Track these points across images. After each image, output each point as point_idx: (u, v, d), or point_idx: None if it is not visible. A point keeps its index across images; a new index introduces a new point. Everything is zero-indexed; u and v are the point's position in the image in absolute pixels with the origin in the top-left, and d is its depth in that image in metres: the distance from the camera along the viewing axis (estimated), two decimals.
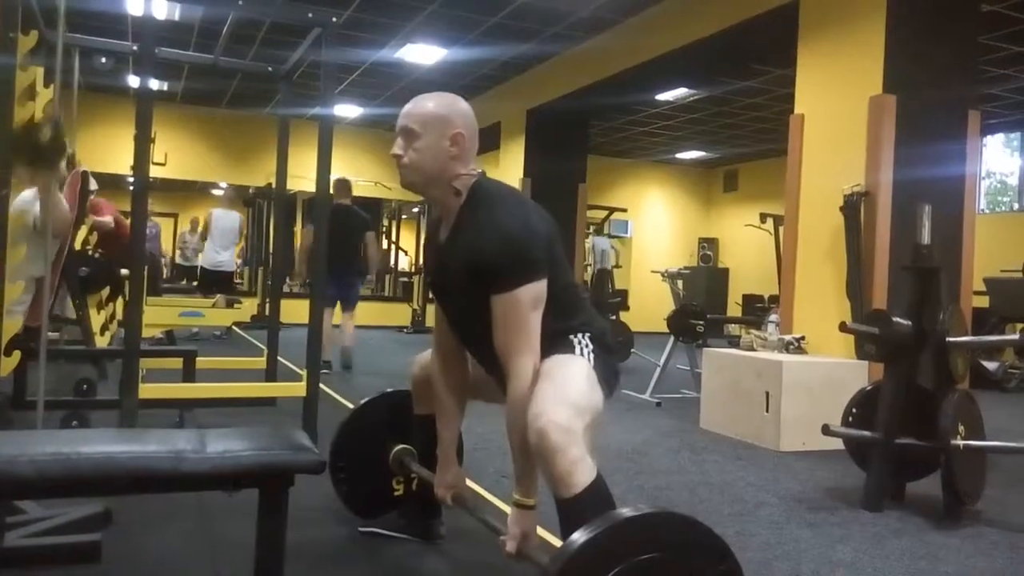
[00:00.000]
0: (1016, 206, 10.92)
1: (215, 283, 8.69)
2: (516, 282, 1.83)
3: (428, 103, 1.95)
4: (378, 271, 14.32)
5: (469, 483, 3.02)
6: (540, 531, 2.02)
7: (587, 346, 1.96)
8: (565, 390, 1.78)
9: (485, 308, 1.87)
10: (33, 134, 2.83)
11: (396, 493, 2.58)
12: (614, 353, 2.07)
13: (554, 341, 1.92)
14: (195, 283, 9.45)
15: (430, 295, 2.22)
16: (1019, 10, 6.31)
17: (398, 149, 1.96)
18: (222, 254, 8.69)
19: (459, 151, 1.94)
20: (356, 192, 12.20)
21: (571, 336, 1.96)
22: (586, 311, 2.07)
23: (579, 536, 1.43)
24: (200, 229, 9.31)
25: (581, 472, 1.68)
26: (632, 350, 7.50)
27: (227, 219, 8.79)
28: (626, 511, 1.51)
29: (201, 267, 9.11)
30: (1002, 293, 7.92)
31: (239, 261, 8.78)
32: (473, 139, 1.98)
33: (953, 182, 4.84)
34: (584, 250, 9.35)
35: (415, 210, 13.94)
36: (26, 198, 3.61)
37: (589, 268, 9.16)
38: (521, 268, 1.84)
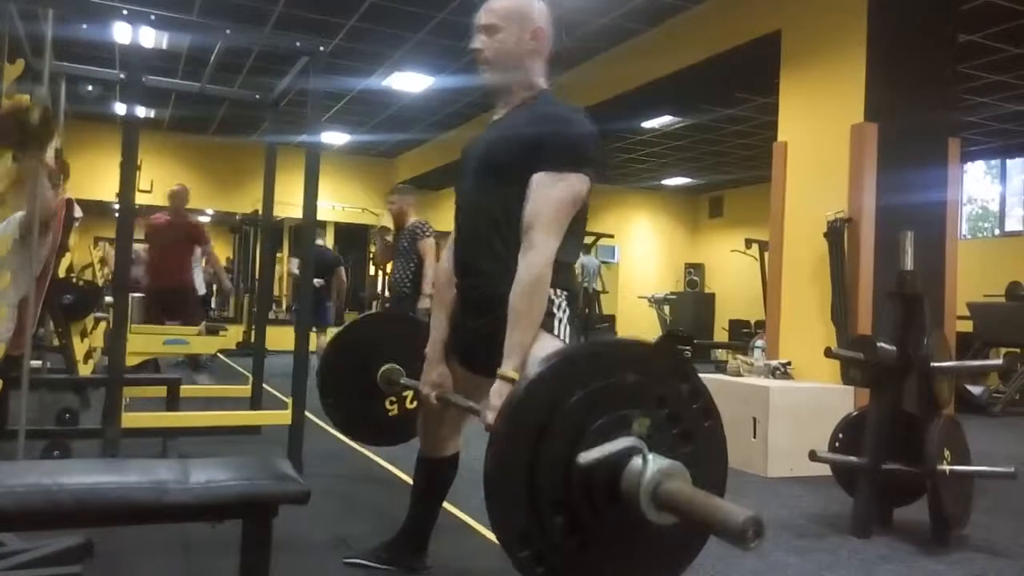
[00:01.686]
0: (997, 231, 11.06)
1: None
2: (567, 166, 1.85)
3: (504, 0, 2.01)
4: (367, 297, 14.33)
5: (454, 510, 3.00)
6: None
7: (564, 311, 1.94)
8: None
9: (503, 192, 1.90)
10: (21, 116, 2.80)
11: (391, 414, 2.58)
12: (578, 314, 2.09)
13: None
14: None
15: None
16: (997, 39, 6.44)
17: (479, 44, 2.01)
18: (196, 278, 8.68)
19: (538, 45, 2.02)
20: (343, 218, 12.21)
21: (553, 292, 1.91)
22: (569, 268, 2.04)
23: (553, 355, 1.47)
24: None
25: None
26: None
27: None
28: (606, 337, 1.52)
29: None
30: (985, 318, 7.99)
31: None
32: (551, 35, 2.05)
33: (935, 208, 4.90)
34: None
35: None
36: (12, 222, 3.58)
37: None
38: (577, 156, 1.87)
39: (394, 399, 2.58)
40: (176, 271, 6.63)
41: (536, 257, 1.83)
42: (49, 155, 3.22)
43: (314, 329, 7.23)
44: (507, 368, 1.82)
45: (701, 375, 1.61)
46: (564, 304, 1.95)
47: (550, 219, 1.84)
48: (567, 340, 1.92)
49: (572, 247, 1.98)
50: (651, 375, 1.51)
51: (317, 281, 7.39)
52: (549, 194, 1.85)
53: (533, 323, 1.82)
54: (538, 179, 1.86)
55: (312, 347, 7.07)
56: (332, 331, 6.83)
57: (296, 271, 7.98)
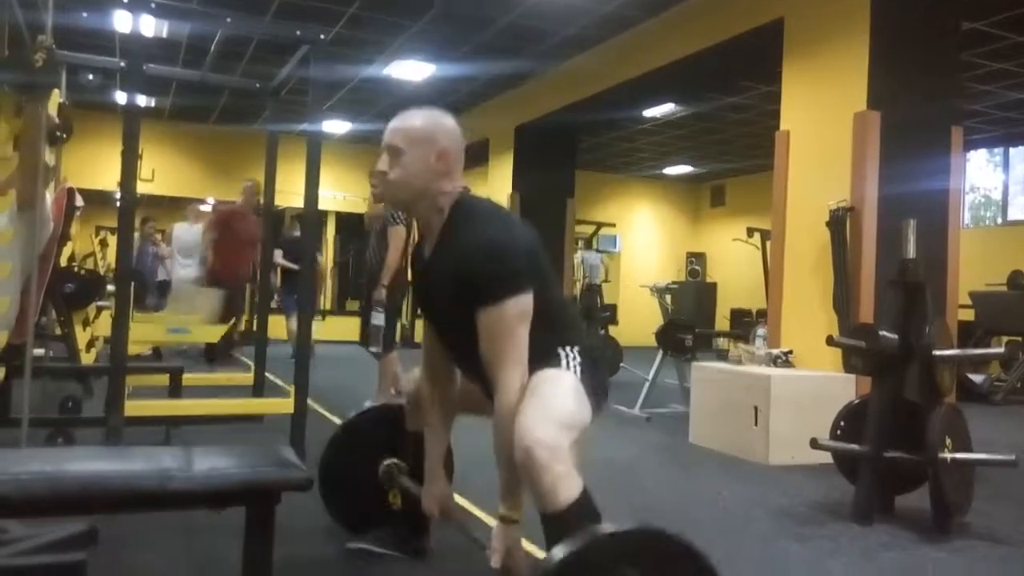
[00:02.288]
0: (999, 220, 11.03)
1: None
2: (502, 296, 1.83)
3: (414, 120, 1.96)
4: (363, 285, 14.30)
5: (457, 497, 3.01)
6: (527, 545, 2.01)
7: (575, 359, 1.95)
8: (551, 406, 1.77)
9: (472, 322, 1.87)
10: (25, 59, 2.78)
11: (393, 506, 2.55)
12: (603, 367, 2.07)
13: (543, 355, 1.92)
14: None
15: (418, 310, 2.22)
16: (1000, 27, 6.40)
17: (383, 166, 1.96)
18: (186, 268, 8.67)
19: (445, 168, 1.94)
20: (345, 207, 12.20)
21: (559, 350, 1.96)
22: (575, 326, 2.07)
23: (558, 551, 1.42)
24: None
25: (566, 488, 1.67)
26: (621, 364, 7.50)
27: (189, 234, 8.79)
28: (606, 526, 1.51)
29: (170, 282, 9.15)
30: (987, 307, 7.98)
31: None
32: (459, 156, 1.98)
33: (937, 197, 4.89)
34: (574, 265, 9.37)
35: (409, 262, 13.90)
36: (12, 214, 3.58)
37: (578, 283, 9.18)
38: (506, 282, 1.84)
39: (397, 492, 2.54)
40: (244, 265, 7.14)
41: (504, 397, 1.84)
42: (52, 109, 3.19)
43: (286, 315, 8.03)
44: (504, 510, 1.86)
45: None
46: (575, 355, 1.96)
47: (502, 351, 1.84)
48: (577, 373, 1.93)
49: (553, 321, 1.97)
50: (658, 566, 1.51)
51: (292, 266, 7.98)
52: (494, 328, 1.84)
53: (513, 469, 1.80)
54: (481, 318, 1.85)
55: (284, 335, 7.32)
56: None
57: (280, 261, 8.12)
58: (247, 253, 7.31)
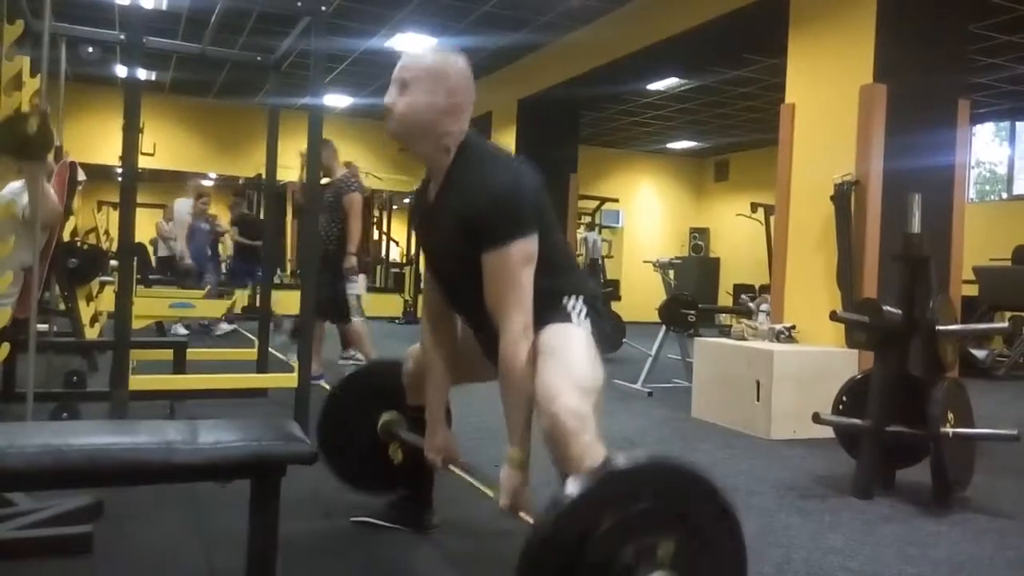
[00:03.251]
0: (1005, 195, 10.98)
1: (183, 272, 8.67)
2: (507, 239, 1.82)
3: (425, 57, 1.94)
4: (369, 262, 14.31)
5: (460, 471, 3.03)
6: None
7: (581, 309, 1.95)
8: (571, 370, 1.77)
9: (475, 267, 1.87)
10: (19, 126, 2.80)
11: (395, 462, 2.55)
12: (605, 314, 2.07)
13: (547, 303, 1.91)
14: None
15: (421, 286, 2.23)
16: None
17: (390, 98, 1.94)
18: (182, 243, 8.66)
19: (453, 107, 1.92)
20: None
21: (564, 299, 1.95)
22: (578, 272, 2.07)
23: (573, 487, 1.44)
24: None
25: (592, 455, 1.68)
26: (624, 340, 7.52)
27: (181, 208, 8.77)
28: (620, 461, 1.52)
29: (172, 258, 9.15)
30: (991, 282, 7.96)
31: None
32: (468, 97, 1.96)
33: (943, 171, 4.86)
34: (577, 241, 9.36)
35: (406, 200, 13.89)
36: (14, 188, 3.58)
37: (581, 258, 9.16)
38: (511, 224, 1.83)
39: (397, 445, 2.53)
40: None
41: (507, 338, 1.84)
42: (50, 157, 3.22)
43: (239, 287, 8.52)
44: (511, 452, 1.86)
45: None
46: (580, 304, 1.96)
47: (508, 294, 1.84)
48: (587, 327, 1.93)
49: (556, 266, 1.96)
50: (674, 495, 1.51)
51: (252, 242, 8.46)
52: (499, 271, 1.84)
53: (520, 401, 1.82)
54: (486, 261, 1.85)
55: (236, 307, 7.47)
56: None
57: (238, 238, 8.36)
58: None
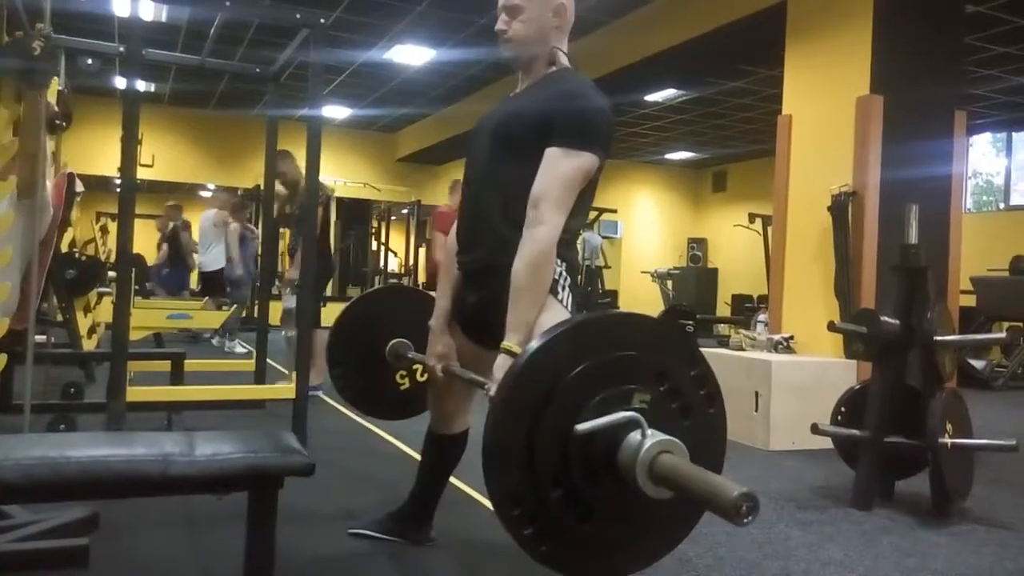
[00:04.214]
0: (1002, 205, 11.01)
1: (205, 284, 8.67)
2: (584, 144, 1.86)
3: None
4: (369, 272, 14.34)
5: (458, 483, 3.02)
6: None
7: (565, 278, 1.95)
8: None
9: (517, 163, 1.89)
10: (23, 47, 2.77)
11: (402, 388, 2.56)
12: (578, 283, 2.08)
13: None
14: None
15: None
16: (1004, 11, 6.36)
17: (503, 24, 2.01)
18: (205, 255, 8.64)
19: (561, 22, 2.02)
20: (346, 193, 12.16)
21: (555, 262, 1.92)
22: (572, 232, 2.03)
23: (554, 328, 1.47)
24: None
25: None
26: None
27: (204, 219, 8.75)
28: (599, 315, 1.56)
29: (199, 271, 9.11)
30: (989, 292, 7.97)
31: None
32: (572, 10, 2.05)
33: (940, 182, 4.87)
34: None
35: (404, 211, 13.91)
36: (13, 199, 3.57)
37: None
38: (594, 135, 1.88)
39: (404, 373, 2.56)
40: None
41: (542, 232, 1.83)
42: (51, 97, 3.18)
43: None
44: (510, 342, 1.81)
45: (704, 349, 1.61)
46: (564, 273, 1.96)
47: (558, 196, 1.84)
48: (569, 308, 1.93)
49: (575, 221, 1.97)
50: (654, 351, 1.51)
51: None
52: (558, 170, 1.85)
53: (536, 298, 1.82)
54: (549, 154, 1.86)
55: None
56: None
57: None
58: None
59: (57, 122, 3.26)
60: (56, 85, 3.30)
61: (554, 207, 1.84)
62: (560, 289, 1.93)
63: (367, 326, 2.59)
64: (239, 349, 8.01)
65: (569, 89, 1.93)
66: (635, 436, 1.39)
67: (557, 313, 1.87)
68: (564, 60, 2.03)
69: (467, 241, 2.11)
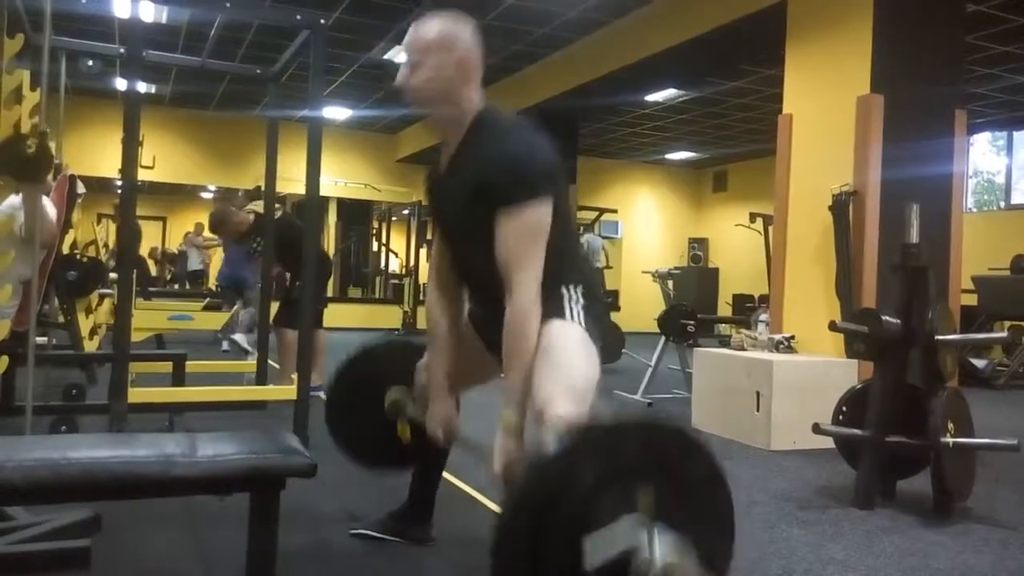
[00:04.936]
0: (1003, 204, 11.00)
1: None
2: (522, 199, 1.82)
3: (431, 29, 1.94)
4: (370, 273, 14.35)
5: (459, 483, 3.02)
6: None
7: (578, 301, 1.94)
8: (566, 373, 1.78)
9: (487, 232, 1.86)
10: (18, 147, 2.80)
11: (404, 439, 2.52)
12: (603, 307, 2.07)
13: (547, 288, 1.90)
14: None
15: (421, 297, 2.22)
16: (1005, 10, 6.36)
17: (402, 77, 1.96)
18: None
19: (465, 75, 1.94)
20: (346, 194, 12.15)
21: (563, 288, 1.94)
22: (579, 259, 2.06)
23: (555, 444, 1.47)
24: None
25: None
26: (623, 350, 7.51)
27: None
28: (605, 420, 1.53)
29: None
30: (990, 291, 7.97)
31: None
32: (478, 63, 1.97)
33: (941, 181, 4.87)
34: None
35: (405, 212, 13.91)
36: (13, 203, 3.58)
37: None
38: (529, 184, 1.84)
39: (407, 424, 2.51)
40: None
41: (517, 299, 1.83)
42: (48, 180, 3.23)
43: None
44: (508, 416, 1.85)
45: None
46: (579, 295, 1.96)
47: (520, 255, 1.83)
48: (583, 323, 1.92)
49: (565, 244, 1.97)
50: (655, 446, 1.52)
51: None
52: (512, 232, 1.83)
53: (524, 364, 1.82)
54: (499, 223, 1.84)
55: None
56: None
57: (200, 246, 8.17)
58: None
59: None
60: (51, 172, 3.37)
61: (521, 269, 1.83)
62: (569, 310, 1.93)
63: (363, 384, 2.54)
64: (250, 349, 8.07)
65: (493, 149, 1.88)
66: (644, 557, 1.38)
67: (567, 329, 1.89)
68: (475, 106, 1.96)
69: (483, 293, 2.10)
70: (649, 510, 1.43)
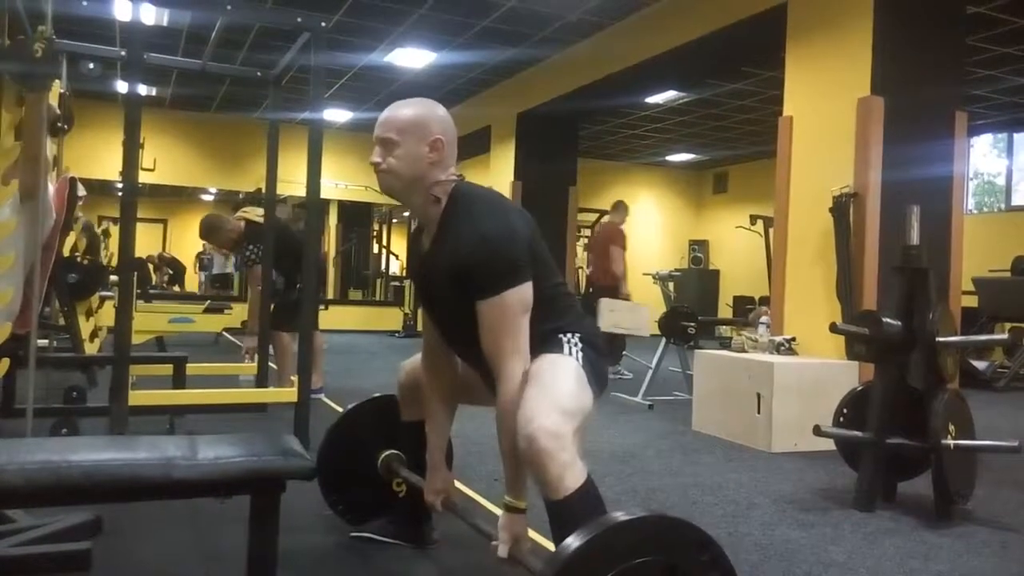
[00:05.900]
0: (1003, 206, 11.00)
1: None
2: (501, 286, 1.83)
3: (405, 110, 1.95)
4: (370, 275, 14.35)
5: (461, 487, 3.02)
6: (531, 534, 2.02)
7: (576, 344, 1.96)
8: (554, 393, 1.77)
9: (471, 314, 1.87)
10: (24, 50, 2.78)
11: (400, 496, 2.53)
12: (603, 354, 2.07)
13: (543, 341, 1.93)
14: None
15: (418, 301, 2.22)
16: (1005, 12, 6.36)
17: (376, 157, 1.95)
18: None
19: (438, 157, 1.93)
20: (347, 196, 12.16)
21: (561, 335, 1.97)
22: (574, 312, 2.07)
23: (572, 541, 1.43)
24: None
25: (571, 476, 1.68)
26: (624, 352, 7.52)
27: None
28: (618, 515, 1.50)
29: None
30: (990, 293, 7.97)
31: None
32: (452, 144, 1.97)
33: (941, 183, 4.87)
34: (579, 255, 9.36)
35: (406, 214, 13.92)
36: (15, 205, 3.57)
37: (581, 271, 9.17)
38: (504, 272, 1.84)
39: (401, 482, 2.49)
40: (600, 270, 7.54)
41: (504, 386, 1.84)
42: (53, 99, 3.18)
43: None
44: (509, 498, 1.86)
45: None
46: (576, 340, 1.97)
47: (504, 343, 1.84)
48: (579, 359, 1.93)
49: (553, 308, 1.98)
50: (666, 544, 1.51)
51: None
52: (494, 319, 1.84)
53: (517, 458, 1.80)
54: (481, 309, 1.85)
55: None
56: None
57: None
58: (601, 260, 7.69)
59: (59, 124, 3.26)
60: (58, 87, 3.30)
61: (506, 356, 1.84)
62: (568, 351, 1.94)
63: (355, 444, 2.54)
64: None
65: (468, 235, 1.87)
66: None
67: (561, 360, 1.90)
68: (448, 187, 1.95)
69: (475, 364, 2.09)
70: None
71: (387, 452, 2.49)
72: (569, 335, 1.97)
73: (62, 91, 3.54)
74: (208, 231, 5.33)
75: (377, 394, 2.68)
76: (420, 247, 2.08)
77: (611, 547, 1.45)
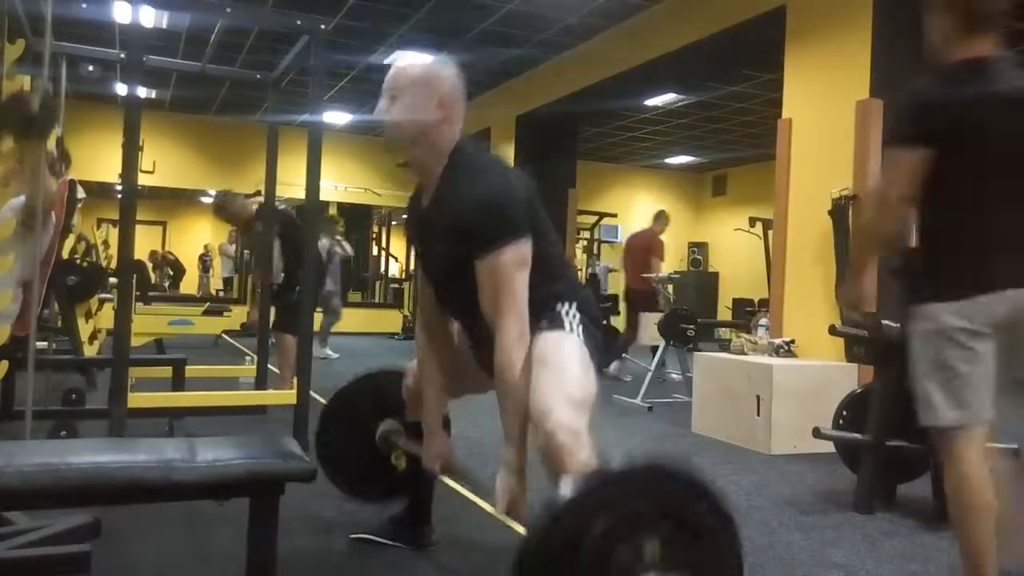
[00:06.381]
0: None
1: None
2: (499, 244, 1.83)
3: (415, 66, 1.96)
4: (370, 277, 14.34)
5: (459, 487, 3.02)
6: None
7: (574, 316, 1.95)
8: (565, 382, 1.78)
9: (469, 272, 1.87)
10: (22, 103, 2.79)
11: (399, 469, 2.51)
12: (599, 321, 2.07)
13: (541, 309, 1.92)
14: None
15: (416, 259, 2.22)
16: (1003, 14, 6.36)
17: (383, 110, 1.96)
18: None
19: (444, 114, 1.94)
20: (346, 198, 12.14)
21: (558, 305, 1.95)
22: (570, 278, 2.07)
23: (568, 489, 1.45)
24: None
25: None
26: (624, 355, 7.52)
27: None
28: (613, 464, 1.52)
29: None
30: None
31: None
32: (459, 103, 1.98)
33: None
34: (579, 258, 9.36)
35: (405, 216, 13.92)
36: (14, 206, 3.58)
37: (580, 272, 9.18)
38: (503, 229, 1.84)
39: (402, 454, 2.50)
40: (636, 276, 7.52)
41: (503, 341, 1.84)
42: (51, 144, 3.21)
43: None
44: (506, 453, 1.86)
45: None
46: (574, 311, 1.96)
47: (502, 299, 1.84)
48: (581, 335, 1.93)
49: (549, 270, 1.97)
50: (660, 494, 1.51)
51: None
52: (493, 276, 1.84)
53: (517, 407, 1.82)
54: (479, 267, 1.85)
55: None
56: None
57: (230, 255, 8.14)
58: (635, 266, 7.66)
59: (56, 168, 3.31)
60: (55, 132, 3.34)
61: (504, 312, 1.84)
62: (568, 325, 1.94)
63: (354, 415, 2.54)
64: (332, 355, 8.19)
65: (468, 192, 1.88)
66: None
67: (565, 340, 1.90)
68: (451, 145, 1.96)
69: (471, 327, 2.10)
70: (658, 558, 1.43)
71: (385, 425, 2.47)
72: (566, 305, 1.96)
73: (59, 135, 3.58)
74: (218, 207, 5.39)
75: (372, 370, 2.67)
76: (419, 205, 2.07)
77: (605, 494, 1.46)
